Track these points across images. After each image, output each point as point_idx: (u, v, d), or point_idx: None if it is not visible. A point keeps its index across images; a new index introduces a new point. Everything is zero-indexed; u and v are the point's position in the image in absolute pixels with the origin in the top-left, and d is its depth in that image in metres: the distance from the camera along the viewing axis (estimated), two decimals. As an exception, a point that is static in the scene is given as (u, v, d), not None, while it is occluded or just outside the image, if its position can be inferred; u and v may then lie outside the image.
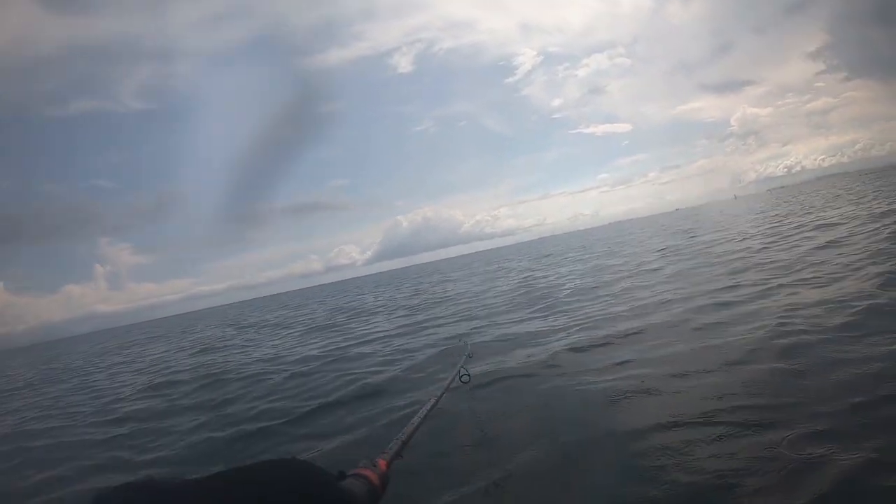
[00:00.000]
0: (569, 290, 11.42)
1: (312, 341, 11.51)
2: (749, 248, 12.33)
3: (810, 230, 13.16)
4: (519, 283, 16.59)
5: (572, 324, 7.41)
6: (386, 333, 10.36)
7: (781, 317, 5.25)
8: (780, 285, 7.00)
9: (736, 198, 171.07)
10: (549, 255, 31.71)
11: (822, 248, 9.57)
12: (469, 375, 1.85)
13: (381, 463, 0.76)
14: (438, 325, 10.16)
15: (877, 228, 10.43)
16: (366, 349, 8.81)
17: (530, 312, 9.39)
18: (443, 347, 7.36)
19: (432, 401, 1.30)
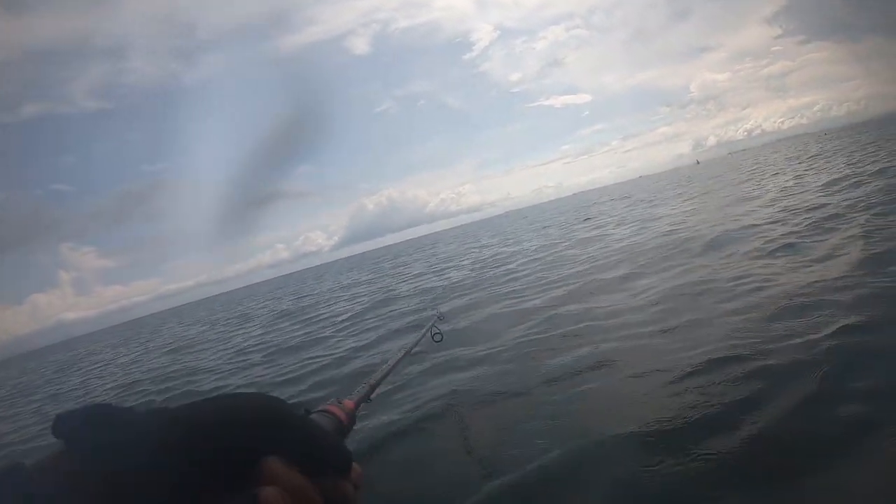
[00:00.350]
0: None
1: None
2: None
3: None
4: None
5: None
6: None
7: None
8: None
9: (698, 163, 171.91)
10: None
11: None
12: (441, 335, 1.83)
13: (348, 403, 0.73)
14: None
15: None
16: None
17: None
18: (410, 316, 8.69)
19: (404, 351, 1.30)
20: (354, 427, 0.70)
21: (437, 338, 1.80)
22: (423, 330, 1.74)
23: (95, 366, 18.86)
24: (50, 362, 31.98)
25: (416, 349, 1.48)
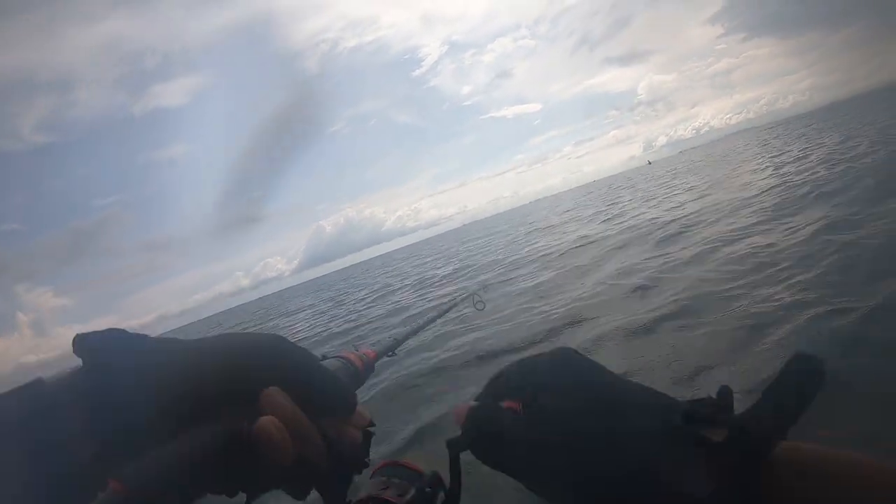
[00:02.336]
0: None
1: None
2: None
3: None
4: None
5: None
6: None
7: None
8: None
9: (650, 163, 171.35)
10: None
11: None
12: (484, 303, 1.73)
13: (369, 352, 0.71)
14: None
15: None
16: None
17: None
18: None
19: (437, 311, 1.26)
20: (373, 377, 0.68)
21: (480, 305, 1.72)
22: (466, 295, 1.69)
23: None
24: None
25: (454, 313, 2.21)
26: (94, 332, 0.40)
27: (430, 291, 11.70)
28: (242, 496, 0.42)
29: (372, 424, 0.51)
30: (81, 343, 0.39)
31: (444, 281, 13.31)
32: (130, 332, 0.41)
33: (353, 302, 16.93)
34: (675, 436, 0.37)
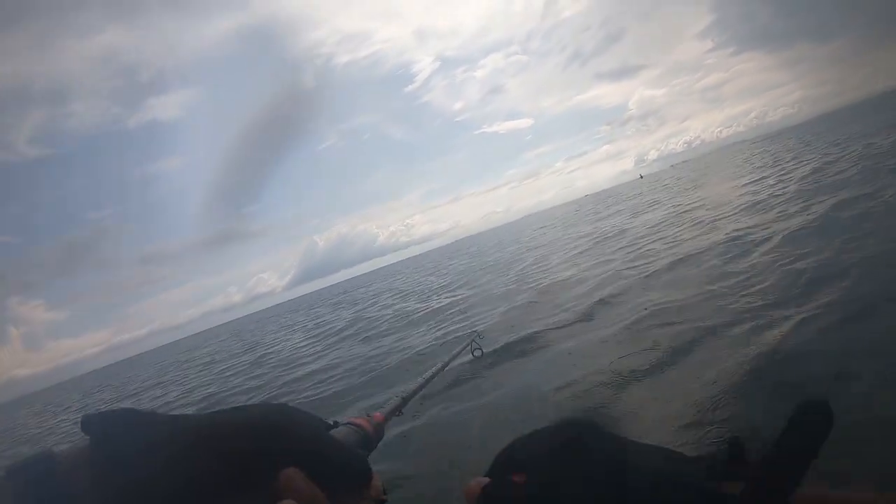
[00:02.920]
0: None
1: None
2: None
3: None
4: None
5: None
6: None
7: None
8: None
9: (641, 177, 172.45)
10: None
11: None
12: (482, 351, 1.84)
13: (377, 415, 0.73)
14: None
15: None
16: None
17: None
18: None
19: (440, 364, 1.29)
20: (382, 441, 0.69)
21: (477, 353, 1.77)
22: (463, 345, 1.69)
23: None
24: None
25: (454, 363, 1.46)
26: (105, 412, 0.40)
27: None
28: None
29: (385, 494, 0.51)
30: (89, 423, 0.39)
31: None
32: (141, 410, 0.41)
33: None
34: (692, 495, 0.37)
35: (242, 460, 0.41)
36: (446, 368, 1.31)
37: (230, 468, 0.40)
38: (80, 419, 0.39)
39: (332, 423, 0.59)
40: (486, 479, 0.47)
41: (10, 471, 0.36)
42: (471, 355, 1.82)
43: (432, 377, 1.13)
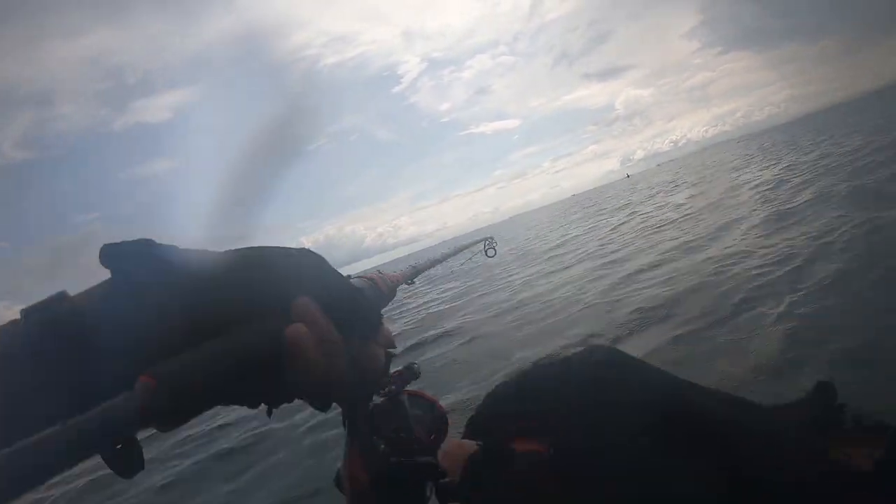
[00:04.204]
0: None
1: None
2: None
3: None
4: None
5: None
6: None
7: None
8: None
9: (628, 176, 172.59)
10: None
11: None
12: (495, 251, 1.93)
13: (391, 276, 0.69)
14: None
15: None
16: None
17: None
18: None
19: (456, 249, 1.40)
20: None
21: (490, 253, 1.87)
22: (480, 242, 1.83)
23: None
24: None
25: (468, 257, 1.66)
26: (123, 242, 0.38)
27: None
28: (261, 408, 0.42)
29: (393, 346, 0.51)
30: (109, 253, 0.37)
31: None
32: (159, 244, 0.39)
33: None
34: (804, 467, 0.29)
35: (256, 288, 0.40)
36: (457, 254, 1.38)
37: (249, 297, 0.39)
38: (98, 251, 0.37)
39: (347, 276, 0.56)
40: (474, 445, 0.43)
41: (28, 312, 0.35)
42: (484, 255, 1.88)
43: (446, 257, 1.20)
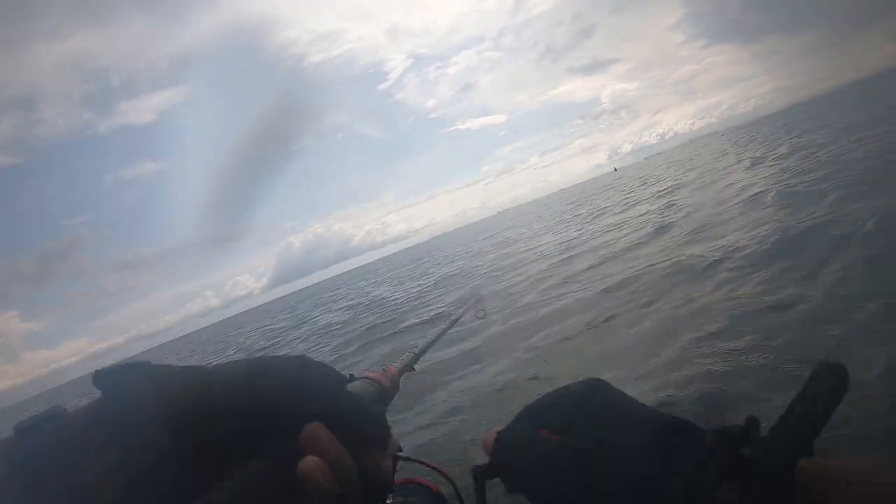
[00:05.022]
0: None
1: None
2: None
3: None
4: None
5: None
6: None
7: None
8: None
9: (616, 170, 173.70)
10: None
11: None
12: (485, 312, 1.84)
13: (392, 368, 0.73)
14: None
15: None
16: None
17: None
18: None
19: (448, 322, 1.34)
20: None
21: (481, 314, 1.81)
22: (469, 304, 1.74)
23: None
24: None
25: (461, 322, 1.55)
26: (117, 366, 0.38)
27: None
28: None
29: (400, 450, 0.50)
30: (102, 377, 0.37)
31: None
32: (154, 364, 0.39)
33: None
34: (708, 461, 0.37)
35: (264, 417, 0.38)
36: (453, 327, 1.34)
37: (251, 425, 0.37)
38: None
39: (348, 376, 0.56)
40: (505, 429, 0.49)
41: (20, 428, 0.34)
42: (475, 317, 1.80)
43: (441, 334, 1.15)
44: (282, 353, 7.31)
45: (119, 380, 0.37)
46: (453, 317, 1.41)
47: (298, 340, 15.30)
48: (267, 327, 28.20)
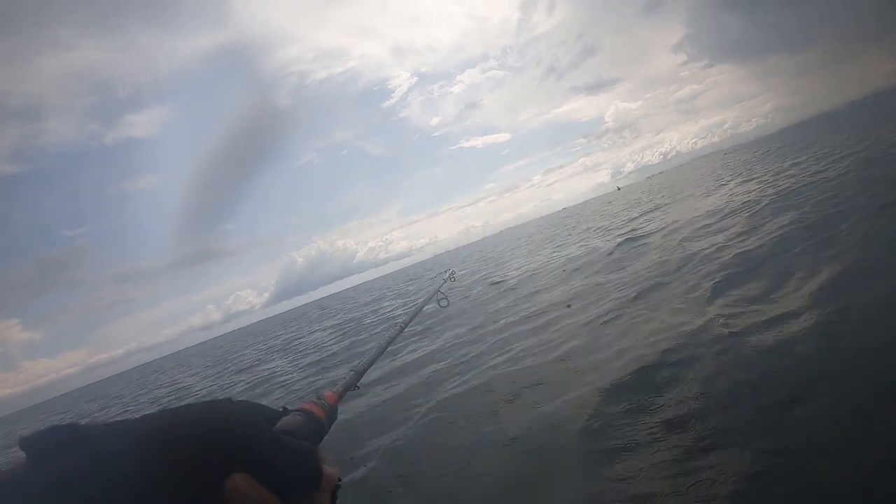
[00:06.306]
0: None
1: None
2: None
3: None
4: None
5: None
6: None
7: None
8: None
9: (619, 189, 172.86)
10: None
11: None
12: (448, 300, 1.79)
13: (329, 395, 0.70)
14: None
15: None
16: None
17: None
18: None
19: (396, 329, 1.27)
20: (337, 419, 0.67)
21: (444, 303, 1.71)
22: (427, 296, 1.61)
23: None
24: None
25: (411, 327, 2.44)
26: (39, 433, 0.38)
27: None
28: None
29: (339, 480, 0.49)
30: (28, 442, 0.37)
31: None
32: (77, 425, 0.38)
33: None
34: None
35: (184, 469, 0.38)
36: (403, 331, 1.27)
37: (172, 478, 0.37)
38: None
39: (282, 409, 0.55)
40: None
41: None
42: (437, 305, 1.73)
43: (388, 344, 1.08)
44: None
45: (44, 445, 0.37)
46: (401, 324, 1.32)
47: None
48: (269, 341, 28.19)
